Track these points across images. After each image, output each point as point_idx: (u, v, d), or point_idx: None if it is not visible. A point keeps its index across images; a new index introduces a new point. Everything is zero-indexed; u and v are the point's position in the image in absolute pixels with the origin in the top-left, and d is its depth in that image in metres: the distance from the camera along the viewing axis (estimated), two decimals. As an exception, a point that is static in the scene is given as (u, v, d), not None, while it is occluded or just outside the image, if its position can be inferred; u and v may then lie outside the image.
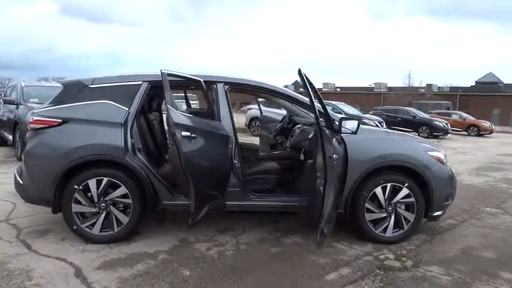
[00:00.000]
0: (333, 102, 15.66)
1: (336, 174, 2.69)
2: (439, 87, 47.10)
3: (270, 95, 3.91)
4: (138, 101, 3.48)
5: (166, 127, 3.62)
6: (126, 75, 3.64)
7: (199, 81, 3.46)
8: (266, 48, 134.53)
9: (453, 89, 46.30)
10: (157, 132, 4.45)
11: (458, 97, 42.57)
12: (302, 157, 3.95)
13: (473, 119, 24.84)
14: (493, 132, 23.91)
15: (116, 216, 3.39)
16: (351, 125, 3.34)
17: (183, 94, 5.48)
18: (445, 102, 35.39)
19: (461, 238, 3.98)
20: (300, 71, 2.94)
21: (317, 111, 2.93)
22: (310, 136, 3.80)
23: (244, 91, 4.12)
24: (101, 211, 3.37)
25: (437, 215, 3.82)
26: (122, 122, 3.38)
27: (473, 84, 47.83)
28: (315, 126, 2.69)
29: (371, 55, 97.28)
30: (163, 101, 4.89)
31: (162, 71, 2.98)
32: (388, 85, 49.03)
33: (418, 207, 3.64)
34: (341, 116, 4.01)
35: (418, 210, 3.64)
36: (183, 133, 2.87)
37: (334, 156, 2.66)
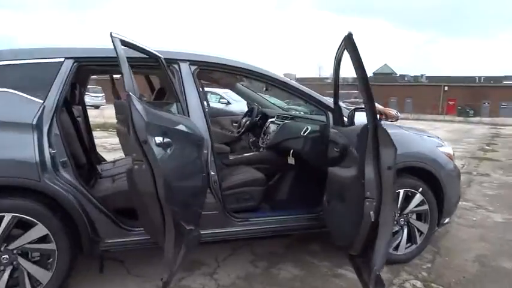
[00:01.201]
0: (220, 91, 12.10)
1: (393, 192, 1.85)
2: (343, 78, 49.85)
3: (261, 80, 2.86)
4: (58, 89, 2.22)
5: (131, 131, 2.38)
6: (39, 49, 2.33)
7: (159, 58, 2.33)
8: (170, 33, 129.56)
9: (355, 79, 49.32)
10: (85, 135, 3.12)
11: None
12: (291, 160, 3.04)
13: (382, 107, 26.37)
14: (398, 119, 25.68)
15: (28, 273, 2.13)
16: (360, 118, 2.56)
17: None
18: (353, 92, 37.37)
19: (464, 244, 3.47)
20: (349, 36, 1.96)
21: (371, 99, 1.95)
22: (303, 133, 2.91)
23: (219, 76, 3.06)
24: (1, 268, 2.08)
25: (446, 222, 3.24)
26: (34, 122, 2.11)
27: (372, 75, 51.71)
28: (370, 124, 1.80)
29: (279, 46, 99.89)
30: (85, 91, 3.62)
31: (113, 35, 1.80)
32: (297, 76, 50.50)
33: (431, 216, 2.98)
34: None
35: (431, 218, 2.99)
36: (158, 139, 1.77)
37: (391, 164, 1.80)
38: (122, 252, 2.72)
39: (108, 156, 4.72)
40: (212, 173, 2.48)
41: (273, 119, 3.67)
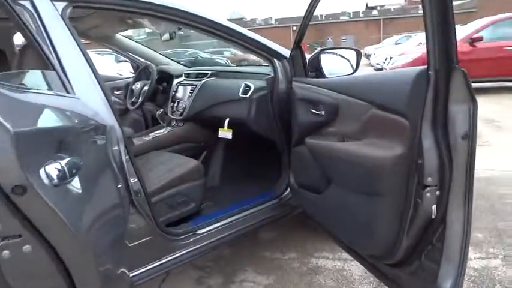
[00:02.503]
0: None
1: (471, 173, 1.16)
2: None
3: (175, 21, 1.78)
4: None
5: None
6: None
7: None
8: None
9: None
10: None
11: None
12: (226, 134, 2.19)
13: (243, 54, 26.08)
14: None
15: None
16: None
17: None
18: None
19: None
20: None
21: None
22: (244, 94, 2.07)
23: (96, 22, 1.91)
24: None
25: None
26: None
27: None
28: (440, 66, 1.05)
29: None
30: None
31: None
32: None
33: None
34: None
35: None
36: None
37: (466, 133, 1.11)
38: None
39: None
40: (133, 180, 1.52)
41: (180, 79, 2.70)
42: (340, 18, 47.91)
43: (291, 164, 1.97)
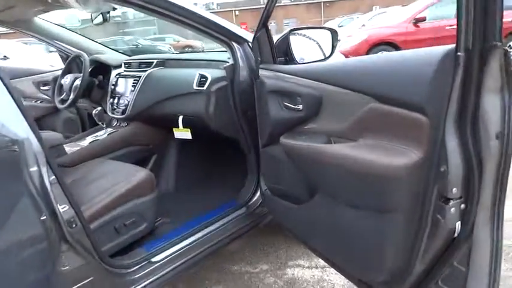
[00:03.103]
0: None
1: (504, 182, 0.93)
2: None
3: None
4: None
5: None
6: None
7: None
8: None
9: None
10: None
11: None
12: (183, 134, 1.84)
13: (187, 40, 25.15)
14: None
15: None
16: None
17: None
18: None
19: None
20: None
21: None
22: (200, 86, 1.72)
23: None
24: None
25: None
26: None
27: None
28: (473, 46, 0.79)
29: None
30: None
31: None
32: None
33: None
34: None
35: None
36: None
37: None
38: None
39: None
40: (63, 207, 1.15)
41: (119, 70, 2.28)
42: (283, 2, 47.90)
43: (261, 167, 1.68)
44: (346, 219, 1.15)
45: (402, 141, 0.94)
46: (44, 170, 1.10)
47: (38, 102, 2.98)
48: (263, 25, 1.46)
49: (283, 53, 1.58)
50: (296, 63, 1.53)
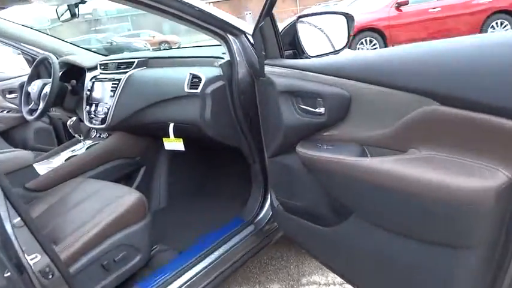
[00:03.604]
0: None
1: None
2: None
3: None
4: None
5: None
6: None
7: None
8: None
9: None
10: None
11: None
12: (177, 145, 1.59)
13: (163, 35, 24.48)
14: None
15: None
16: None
17: None
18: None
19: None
20: None
21: None
22: (195, 88, 1.46)
23: None
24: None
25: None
26: None
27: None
28: None
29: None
30: None
31: None
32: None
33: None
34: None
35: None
36: None
37: None
38: None
39: None
40: (33, 258, 0.90)
41: (94, 73, 1.99)
42: (256, -9, 47.33)
43: (270, 179, 1.45)
44: (396, 251, 0.93)
45: (484, 157, 0.72)
46: (2, 210, 0.84)
47: (5, 112, 2.66)
48: (267, 13, 1.21)
49: (290, 45, 1.35)
50: (307, 57, 1.30)
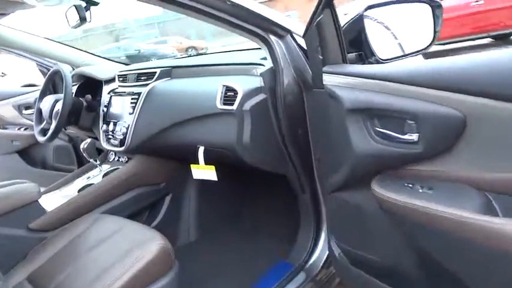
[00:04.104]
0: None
1: None
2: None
3: None
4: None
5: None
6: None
7: None
8: None
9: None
10: None
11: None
12: (208, 173, 1.30)
13: (190, 41, 24.63)
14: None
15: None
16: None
17: None
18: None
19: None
20: None
21: None
22: (230, 104, 1.17)
23: None
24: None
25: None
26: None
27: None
28: None
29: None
30: None
31: None
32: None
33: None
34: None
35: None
36: None
37: None
38: None
39: None
40: None
41: (112, 86, 1.74)
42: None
43: (329, 219, 1.13)
44: None
45: None
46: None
47: (22, 129, 2.47)
48: (327, 3, 0.90)
49: (352, 46, 1.03)
50: (380, 61, 0.98)
